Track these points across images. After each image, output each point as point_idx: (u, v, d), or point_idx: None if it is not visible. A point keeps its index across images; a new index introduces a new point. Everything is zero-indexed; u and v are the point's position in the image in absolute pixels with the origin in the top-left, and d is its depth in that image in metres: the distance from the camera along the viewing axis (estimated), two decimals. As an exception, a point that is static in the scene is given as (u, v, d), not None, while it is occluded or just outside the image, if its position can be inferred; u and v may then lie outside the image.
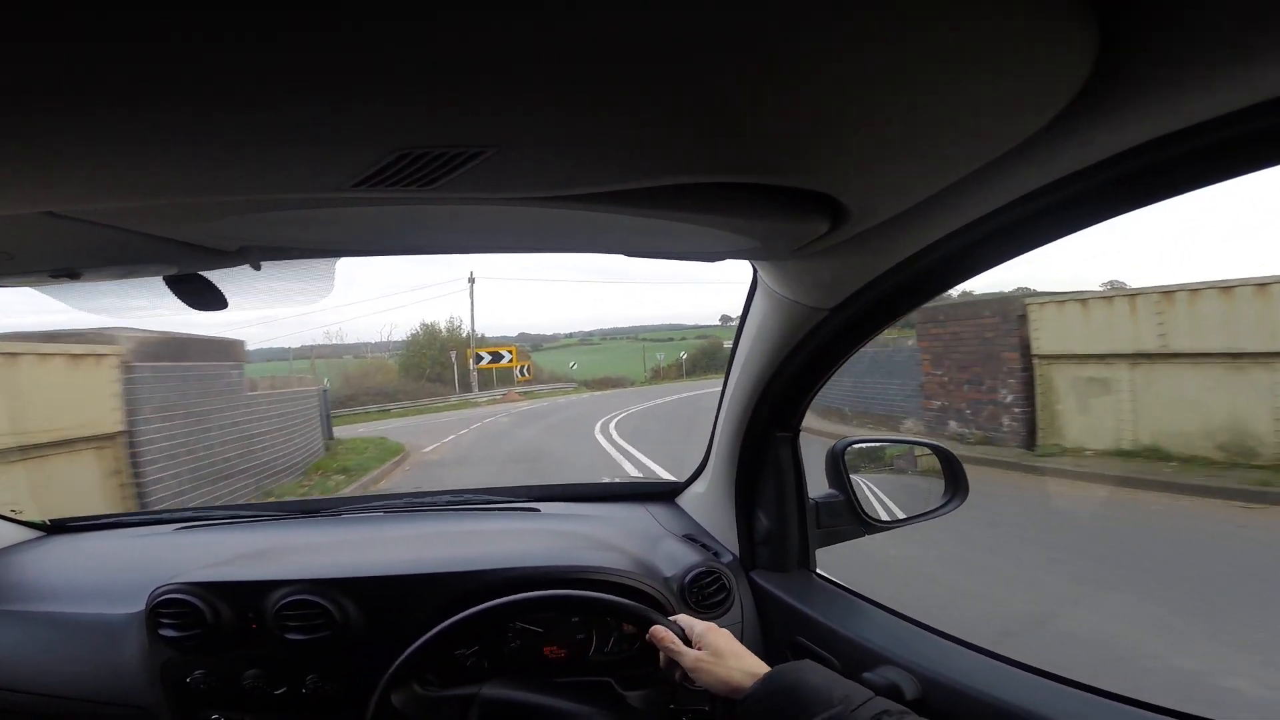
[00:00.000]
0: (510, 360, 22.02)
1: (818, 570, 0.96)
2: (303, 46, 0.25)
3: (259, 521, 1.19)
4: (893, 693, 0.67)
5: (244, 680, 0.83)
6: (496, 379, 22.26)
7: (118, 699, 0.88)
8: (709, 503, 1.11)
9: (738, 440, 0.95)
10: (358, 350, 27.89)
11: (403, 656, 0.70)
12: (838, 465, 0.96)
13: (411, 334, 24.48)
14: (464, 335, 23.85)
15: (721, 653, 0.65)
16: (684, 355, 27.75)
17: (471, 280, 21.74)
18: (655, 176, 0.41)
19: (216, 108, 0.29)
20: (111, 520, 1.26)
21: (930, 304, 5.77)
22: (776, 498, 0.93)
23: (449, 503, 1.23)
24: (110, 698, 0.88)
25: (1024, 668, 0.68)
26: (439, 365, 22.85)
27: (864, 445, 1.02)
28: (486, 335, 24.79)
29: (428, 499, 1.25)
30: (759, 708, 0.59)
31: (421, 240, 0.63)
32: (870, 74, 0.31)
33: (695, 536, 1.07)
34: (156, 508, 1.29)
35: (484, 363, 21.66)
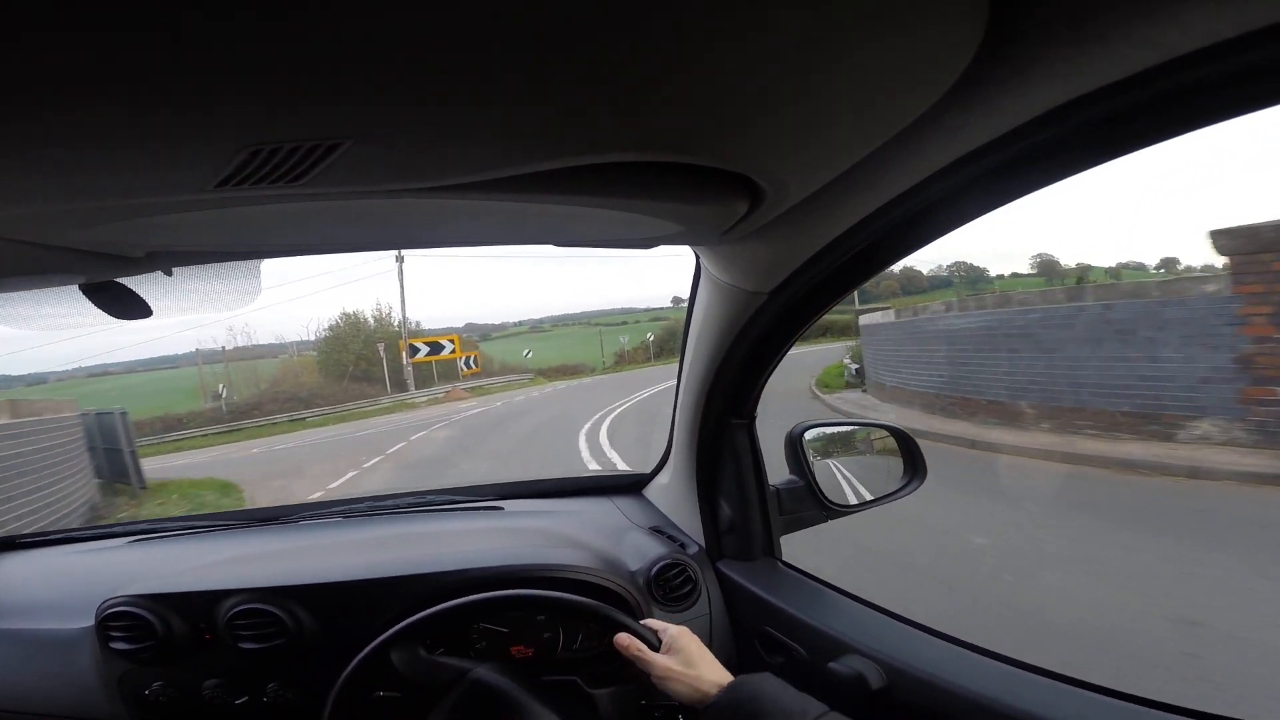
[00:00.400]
0: (453, 351, 21.25)
1: (783, 558, 1.09)
2: (137, 46, 0.27)
3: (214, 531, 1.27)
4: (858, 683, 0.76)
5: (204, 691, 0.92)
6: (438, 374, 21.33)
7: (82, 713, 0.96)
8: (674, 493, 1.22)
9: (695, 429, 1.05)
10: (277, 350, 26.67)
11: (353, 663, 0.78)
12: (796, 450, 1.08)
13: (331, 325, 23.38)
14: (395, 326, 22.84)
15: (693, 660, 0.72)
16: (651, 336, 28.23)
17: (400, 259, 20.64)
18: (542, 160, 0.44)
19: (54, 110, 0.31)
20: (62, 535, 1.33)
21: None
22: (737, 486, 1.04)
23: (411, 505, 1.33)
24: (75, 712, 0.97)
25: (992, 656, 0.75)
26: (364, 361, 21.84)
27: (821, 428, 1.14)
28: (426, 327, 23.76)
29: (389, 501, 1.35)
30: (719, 715, 0.67)
31: (334, 238, 0.68)
32: (764, 46, 0.34)
33: (662, 528, 1.19)
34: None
35: (420, 355, 20.71)
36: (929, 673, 0.73)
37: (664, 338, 27.77)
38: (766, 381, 0.96)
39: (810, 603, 0.94)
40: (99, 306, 0.68)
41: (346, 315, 23.55)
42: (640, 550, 1.09)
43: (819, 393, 10.32)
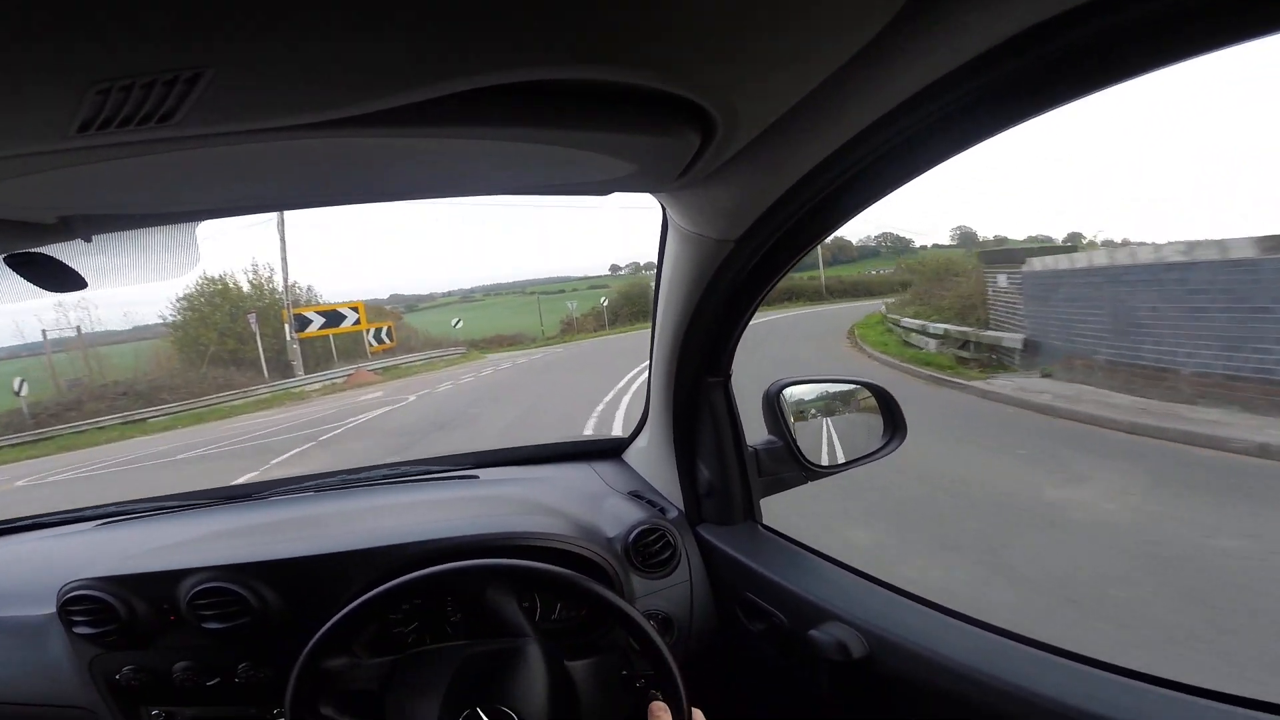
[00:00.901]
0: (358, 323, 19.98)
1: (763, 521, 1.23)
2: None
3: (184, 510, 1.39)
4: (839, 651, 0.86)
5: (174, 673, 1.03)
6: (339, 353, 19.89)
7: (58, 700, 1.08)
8: (652, 456, 1.36)
9: (670, 389, 1.17)
10: (143, 333, 23.34)
11: (310, 645, 0.87)
12: (774, 409, 1.21)
13: (186, 295, 20.63)
14: (277, 294, 20.69)
15: None
16: (605, 301, 29.34)
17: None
18: (456, 77, 0.44)
19: None
20: (30, 521, 1.44)
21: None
22: (715, 447, 1.17)
23: (385, 477, 1.46)
24: (52, 699, 1.08)
25: (975, 624, 0.82)
26: (232, 339, 19.65)
27: (800, 386, 1.28)
28: (348, 299, 21.45)
29: (363, 474, 1.48)
30: None
31: (250, 193, 0.70)
32: None
33: (641, 493, 1.33)
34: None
35: (311, 329, 19.12)
36: (912, 641, 0.81)
37: (618, 302, 28.84)
38: (741, 335, 1.08)
39: (791, 568, 1.07)
40: (28, 279, 0.73)
41: (209, 280, 21.02)
42: (618, 516, 1.22)
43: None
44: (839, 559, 1.08)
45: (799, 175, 0.70)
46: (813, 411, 1.32)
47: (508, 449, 1.65)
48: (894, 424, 1.27)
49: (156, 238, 0.75)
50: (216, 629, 1.02)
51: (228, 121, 0.45)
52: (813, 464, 1.24)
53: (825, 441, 1.31)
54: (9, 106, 0.40)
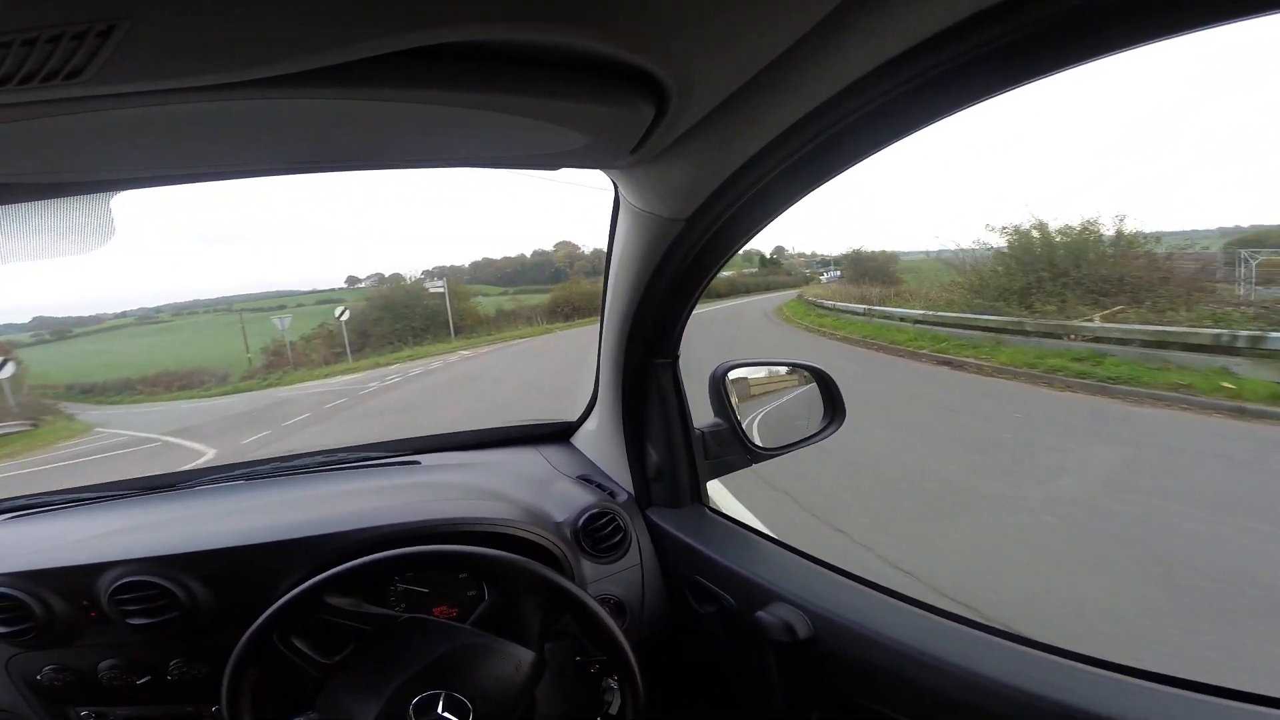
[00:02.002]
0: None
1: (710, 505, 1.25)
2: None
3: (102, 502, 1.29)
4: (785, 631, 0.88)
5: (99, 673, 0.98)
6: None
7: None
8: (601, 440, 1.35)
9: (619, 370, 1.17)
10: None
11: (277, 604, 0.83)
12: (720, 391, 1.23)
13: None
14: None
15: None
16: (344, 315, 18.78)
17: None
18: (390, 33, 0.42)
19: None
20: None
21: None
22: (663, 430, 1.18)
23: (321, 464, 1.40)
24: None
25: (919, 605, 0.84)
26: None
27: (743, 368, 1.31)
28: None
29: (297, 461, 1.41)
30: None
31: (164, 157, 0.65)
32: None
33: (590, 477, 1.32)
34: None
35: None
36: (856, 621, 0.83)
37: (369, 317, 20.15)
38: (689, 317, 1.09)
39: (739, 551, 1.08)
40: None
41: None
42: (567, 500, 1.21)
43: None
44: (784, 541, 1.10)
45: (751, 153, 0.71)
46: (755, 393, 1.34)
47: (450, 434, 1.61)
48: (834, 407, 1.31)
49: (63, 207, 0.70)
50: (142, 624, 0.97)
51: (142, 79, 0.43)
52: (756, 446, 1.26)
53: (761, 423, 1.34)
54: None
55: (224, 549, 1.01)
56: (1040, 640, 0.74)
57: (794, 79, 0.57)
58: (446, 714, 0.80)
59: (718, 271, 0.99)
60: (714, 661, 1.16)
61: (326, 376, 15.45)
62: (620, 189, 0.95)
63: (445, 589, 1.07)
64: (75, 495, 1.35)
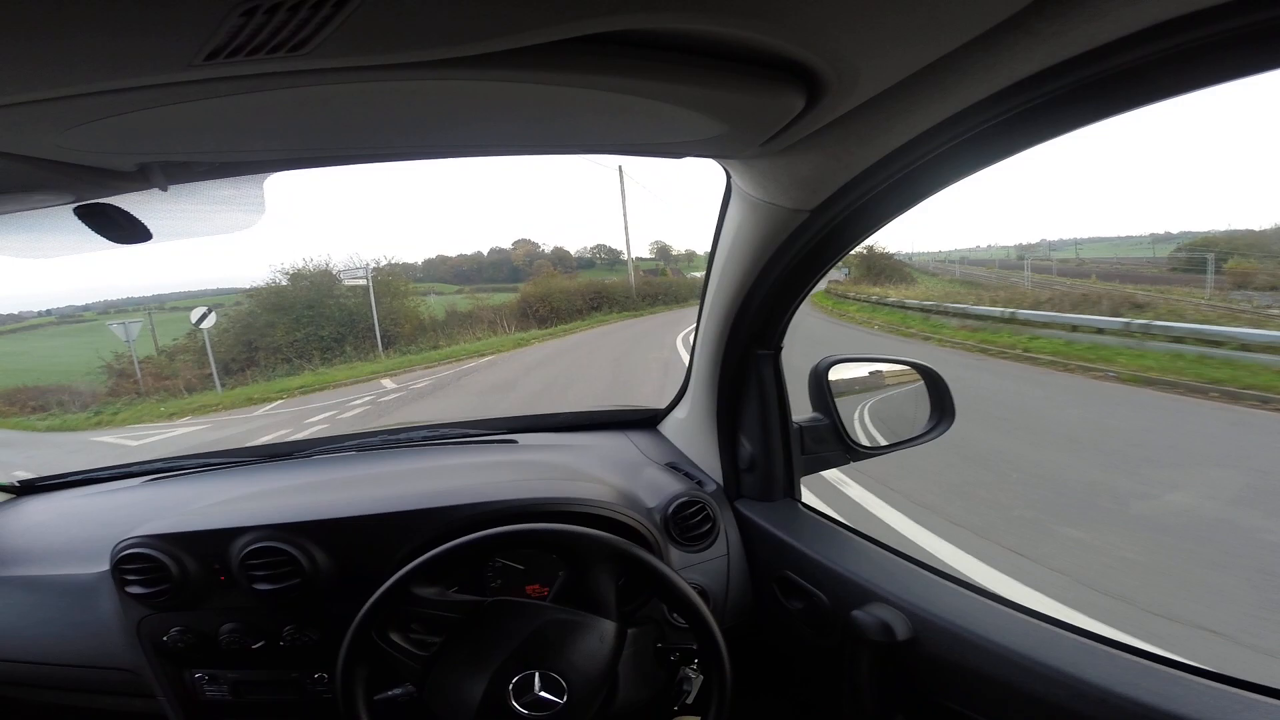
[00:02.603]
0: None
1: (803, 500, 1.23)
2: None
3: (228, 468, 1.41)
4: (884, 632, 0.85)
5: (220, 635, 1.04)
6: None
7: (103, 661, 1.09)
8: (691, 429, 1.35)
9: (717, 360, 1.16)
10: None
11: (369, 603, 0.88)
12: (821, 387, 1.20)
13: None
14: None
15: None
16: (208, 321, 12.29)
17: None
18: (580, 18, 0.43)
19: None
20: (81, 477, 1.47)
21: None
22: (760, 422, 1.16)
23: (425, 438, 1.49)
24: (96, 660, 1.10)
25: (1023, 610, 0.81)
26: None
27: (847, 364, 1.26)
28: None
29: (404, 434, 1.50)
30: None
31: (336, 140, 0.68)
32: None
33: (678, 465, 1.33)
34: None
35: None
36: (958, 625, 0.80)
37: (259, 325, 14.19)
38: (796, 309, 1.06)
39: (833, 548, 1.06)
40: (95, 230, 0.74)
41: None
42: (657, 487, 1.22)
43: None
44: (881, 541, 1.07)
45: (893, 147, 0.68)
46: (857, 389, 1.30)
47: (544, 415, 1.67)
48: (942, 407, 1.25)
49: (225, 188, 0.76)
50: (266, 590, 1.03)
51: (352, 54, 0.44)
52: (857, 444, 1.23)
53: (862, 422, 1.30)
54: (144, 28, 0.38)
55: (345, 518, 1.06)
56: (1156, 652, 0.71)
57: (955, 76, 0.55)
58: (544, 693, 0.83)
59: (835, 264, 0.95)
60: (800, 658, 1.14)
61: (171, 417, 10.48)
62: (735, 178, 0.92)
63: (539, 567, 1.11)
64: (205, 460, 1.47)
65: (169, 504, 1.25)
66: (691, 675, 1.09)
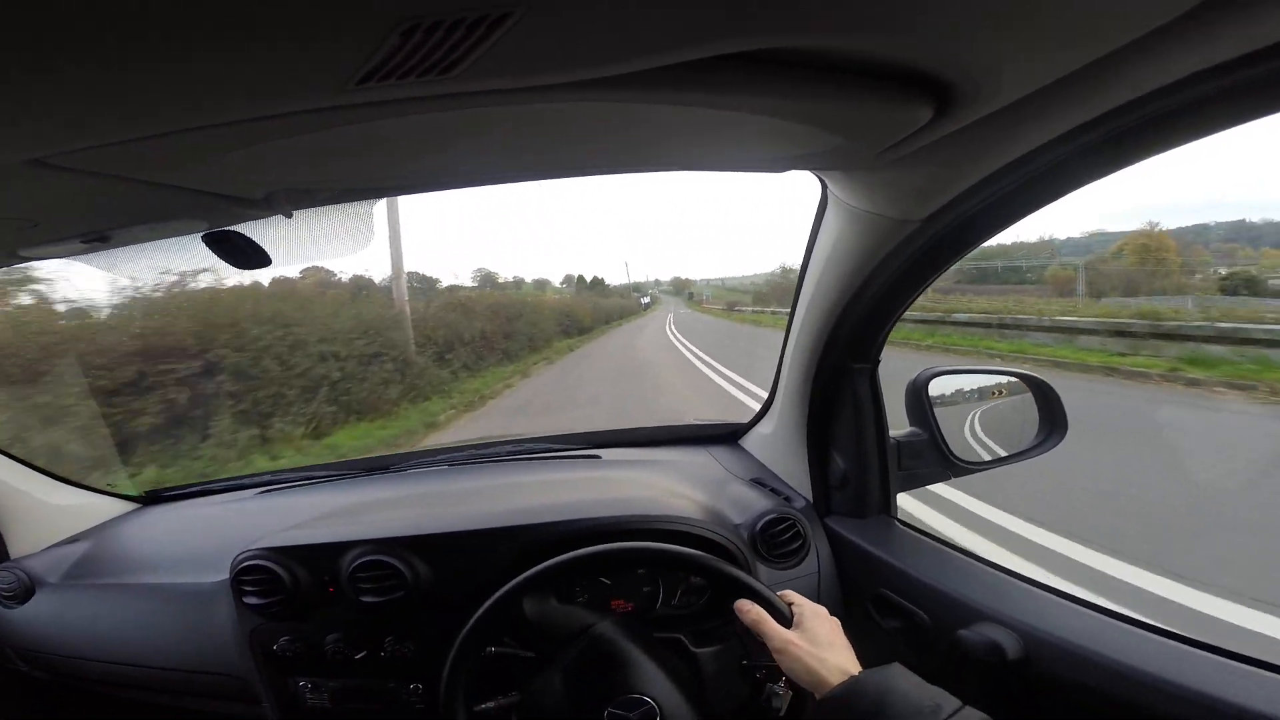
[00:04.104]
0: None
1: (899, 517, 1.18)
2: None
3: (331, 481, 1.48)
4: (993, 652, 0.81)
5: (326, 645, 1.08)
6: None
7: (215, 668, 1.16)
8: (777, 444, 1.32)
9: (809, 375, 1.13)
10: None
11: (474, 618, 0.89)
12: (920, 399, 1.15)
13: None
14: None
15: (819, 641, 0.75)
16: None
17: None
18: (726, 37, 0.43)
19: (176, 5, 0.32)
20: (199, 488, 1.59)
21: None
22: (854, 437, 1.12)
23: (511, 453, 1.52)
24: (208, 666, 1.17)
25: (1144, 626, 0.77)
26: None
27: (949, 376, 1.20)
28: None
29: (490, 450, 1.54)
30: (837, 709, 0.68)
31: (462, 165, 0.70)
32: None
33: (763, 480, 1.30)
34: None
35: None
36: (1077, 644, 0.77)
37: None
38: (897, 322, 1.02)
39: (933, 565, 1.01)
40: (221, 257, 0.79)
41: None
42: (743, 503, 1.20)
43: None
44: (987, 558, 1.02)
45: (1016, 155, 0.65)
46: (956, 402, 1.23)
47: (624, 430, 1.68)
48: (1052, 420, 1.18)
49: (341, 213, 0.79)
50: (371, 602, 1.06)
51: (497, 76, 0.44)
52: (959, 459, 1.17)
53: (970, 435, 1.23)
54: (304, 52, 0.39)
55: (445, 533, 1.08)
56: None
57: (1097, 81, 0.53)
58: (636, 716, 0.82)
59: (941, 274, 0.91)
60: None
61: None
62: (834, 189, 0.89)
63: (625, 583, 1.10)
64: (309, 473, 1.55)
65: (279, 516, 1.31)
66: (780, 691, 1.06)
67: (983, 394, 1.30)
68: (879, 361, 1.10)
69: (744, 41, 0.43)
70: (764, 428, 1.40)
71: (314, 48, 0.38)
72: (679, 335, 19.12)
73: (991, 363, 6.94)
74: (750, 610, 0.81)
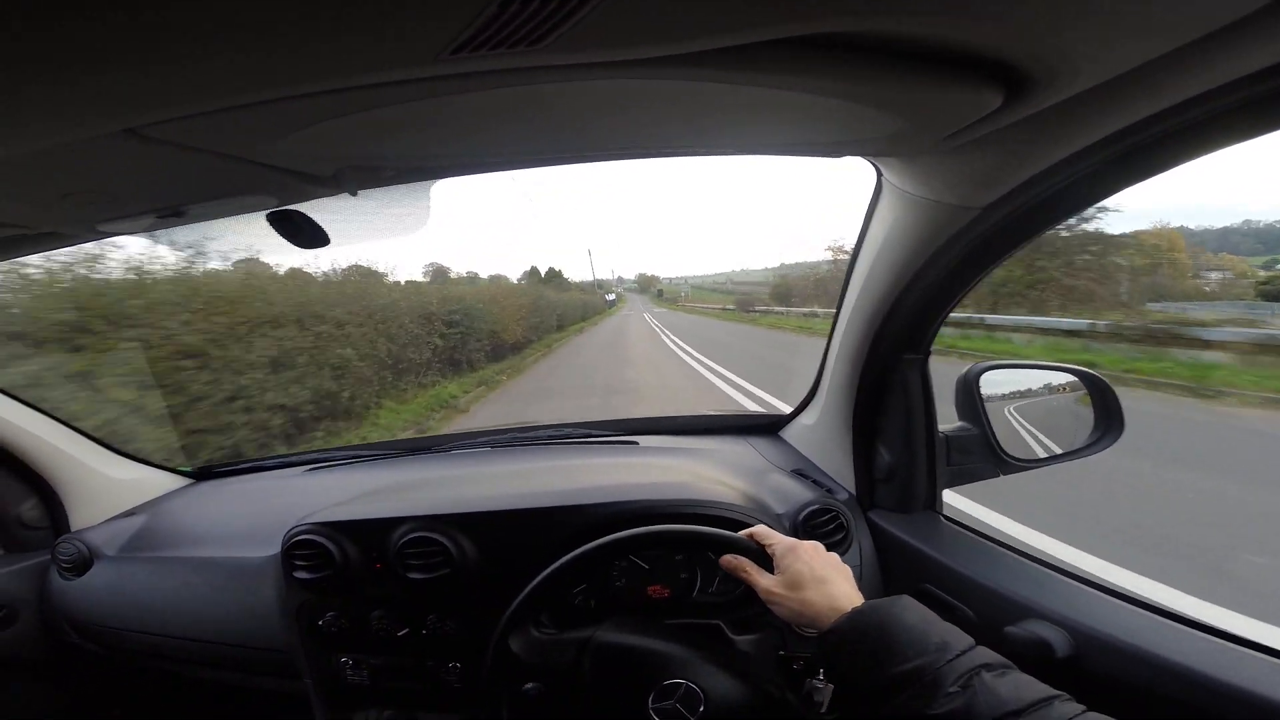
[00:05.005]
0: None
1: (945, 513, 1.16)
2: None
3: (377, 460, 1.52)
4: (1041, 649, 0.80)
5: (370, 622, 1.10)
6: None
7: (260, 642, 1.19)
8: (820, 436, 1.31)
9: (858, 365, 1.11)
10: None
11: (521, 595, 0.90)
12: (971, 394, 1.12)
13: None
14: None
15: (802, 581, 0.72)
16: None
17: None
18: (810, 17, 0.42)
19: None
20: (250, 465, 1.65)
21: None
22: (902, 430, 1.10)
23: (550, 437, 1.54)
24: (254, 641, 1.20)
25: (1195, 625, 0.76)
26: None
27: (1001, 371, 1.17)
28: None
29: (530, 433, 1.57)
30: (839, 647, 0.65)
31: (528, 141, 0.69)
32: None
33: (805, 472, 1.29)
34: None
35: None
36: (1128, 643, 0.75)
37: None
38: (951, 311, 1.00)
39: (979, 560, 0.99)
40: (281, 235, 0.80)
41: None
42: (785, 493, 1.19)
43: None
44: (1036, 554, 1.00)
45: (1087, 143, 0.63)
46: (1011, 397, 1.20)
47: (662, 418, 1.68)
48: (1108, 418, 1.14)
49: (402, 193, 0.80)
50: (418, 579, 1.07)
51: (581, 48, 0.44)
52: (1010, 456, 1.14)
53: (1017, 430, 1.20)
54: (400, 18, 0.38)
55: (492, 512, 1.09)
56: None
57: (1166, 75, 0.51)
58: (679, 705, 0.81)
59: (999, 264, 0.88)
60: None
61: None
62: (890, 176, 0.88)
63: (662, 568, 1.10)
64: (356, 452, 1.59)
65: (328, 493, 1.34)
66: (819, 685, 1.05)
67: (1026, 392, 1.27)
68: (930, 353, 1.08)
69: (828, 23, 0.42)
70: (806, 419, 1.39)
71: (416, 15, 0.38)
72: (697, 357, 12.73)
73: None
74: (730, 560, 0.80)
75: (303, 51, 0.41)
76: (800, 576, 0.73)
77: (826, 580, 0.72)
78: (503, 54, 0.43)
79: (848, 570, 0.77)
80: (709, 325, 26.28)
